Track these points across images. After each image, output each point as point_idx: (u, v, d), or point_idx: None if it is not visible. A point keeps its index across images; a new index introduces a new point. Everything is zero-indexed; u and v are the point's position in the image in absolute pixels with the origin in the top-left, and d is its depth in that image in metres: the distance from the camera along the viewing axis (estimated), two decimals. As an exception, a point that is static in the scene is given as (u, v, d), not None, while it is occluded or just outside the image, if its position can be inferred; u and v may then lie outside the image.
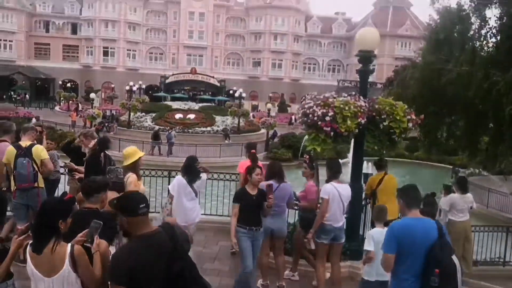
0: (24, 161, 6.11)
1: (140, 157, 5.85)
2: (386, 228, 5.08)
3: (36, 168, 6.21)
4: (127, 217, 3.18)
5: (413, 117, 7.21)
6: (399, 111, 7.02)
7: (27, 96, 59.21)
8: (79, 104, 47.43)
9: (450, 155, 26.12)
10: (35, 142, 6.59)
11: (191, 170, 6.52)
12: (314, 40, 71.54)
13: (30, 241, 3.31)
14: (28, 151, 6.18)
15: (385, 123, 6.96)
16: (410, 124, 7.16)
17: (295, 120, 44.47)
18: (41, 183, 6.31)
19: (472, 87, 10.94)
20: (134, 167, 5.79)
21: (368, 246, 5.09)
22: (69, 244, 3.27)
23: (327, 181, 6.31)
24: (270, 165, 6.71)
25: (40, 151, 6.31)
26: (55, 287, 3.25)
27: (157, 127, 32.21)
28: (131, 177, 5.62)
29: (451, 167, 25.90)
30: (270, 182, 6.08)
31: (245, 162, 8.10)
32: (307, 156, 6.99)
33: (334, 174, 6.30)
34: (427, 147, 15.63)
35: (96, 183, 4.17)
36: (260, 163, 8.21)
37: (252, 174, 5.90)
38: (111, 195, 4.18)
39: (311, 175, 6.83)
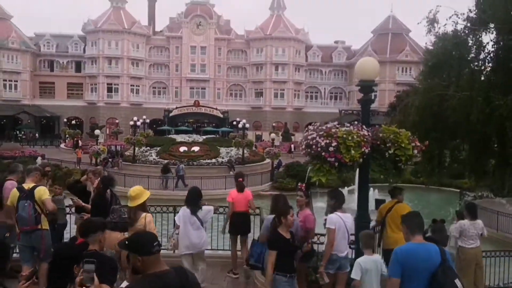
0: (26, 204, 6.09)
1: (148, 197, 5.84)
2: (375, 255, 5.15)
3: (39, 210, 6.18)
4: (141, 257, 3.15)
5: (418, 143, 7.20)
6: (404, 139, 7.00)
7: (36, 135, 59.72)
8: (79, 141, 47.79)
9: (457, 179, 25.93)
10: (41, 183, 6.61)
11: (192, 201, 6.68)
12: (315, 69, 72.27)
13: None
14: (30, 193, 6.18)
15: (390, 152, 6.94)
16: (416, 151, 7.14)
17: (294, 148, 44.65)
18: (45, 225, 6.27)
19: (474, 112, 10.92)
20: (143, 206, 5.76)
21: (354, 274, 5.12)
22: None
23: (331, 211, 6.31)
24: (274, 198, 6.70)
25: (42, 193, 6.28)
26: None
27: (166, 161, 32.21)
28: (148, 216, 5.66)
29: (458, 190, 25.66)
30: (309, 226, 6.08)
31: (234, 191, 8.34)
32: (303, 184, 7.03)
33: (338, 204, 6.31)
34: (428, 173, 15.47)
35: (92, 223, 4.18)
36: (247, 190, 8.44)
37: (287, 216, 5.50)
38: (115, 235, 4.16)
39: (306, 203, 6.86)
